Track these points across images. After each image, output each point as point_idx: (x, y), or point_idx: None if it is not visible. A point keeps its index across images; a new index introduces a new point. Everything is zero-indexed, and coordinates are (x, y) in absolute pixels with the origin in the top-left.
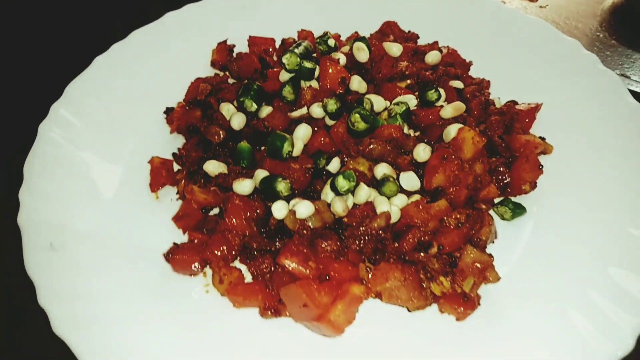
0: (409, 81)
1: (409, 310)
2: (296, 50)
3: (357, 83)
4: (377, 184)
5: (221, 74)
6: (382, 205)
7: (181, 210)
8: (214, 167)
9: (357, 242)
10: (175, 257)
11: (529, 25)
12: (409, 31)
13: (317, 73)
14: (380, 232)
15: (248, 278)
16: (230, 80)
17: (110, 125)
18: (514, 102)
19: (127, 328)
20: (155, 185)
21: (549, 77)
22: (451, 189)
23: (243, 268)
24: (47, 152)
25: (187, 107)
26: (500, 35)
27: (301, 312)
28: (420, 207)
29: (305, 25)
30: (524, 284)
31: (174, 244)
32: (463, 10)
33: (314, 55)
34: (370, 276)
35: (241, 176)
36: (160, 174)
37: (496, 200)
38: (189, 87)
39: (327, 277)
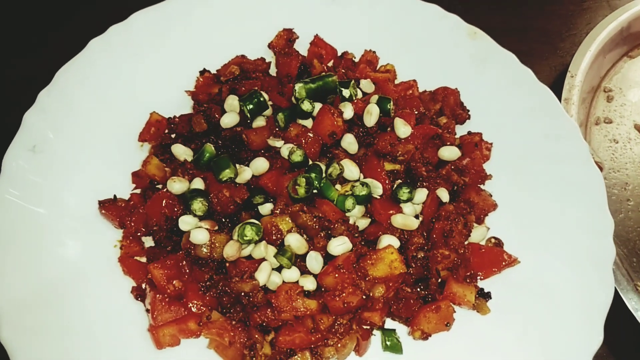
0: (398, 166)
1: None
2: (312, 84)
3: (347, 142)
4: (278, 248)
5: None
6: (263, 271)
7: (140, 171)
8: (180, 151)
9: (218, 289)
10: (106, 206)
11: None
12: (466, 108)
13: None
14: (242, 294)
15: None
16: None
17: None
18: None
19: None
20: (142, 135)
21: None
22: (336, 295)
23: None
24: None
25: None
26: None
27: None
28: (291, 293)
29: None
30: None
31: (114, 196)
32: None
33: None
34: (205, 321)
35: (185, 174)
36: (149, 130)
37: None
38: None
39: (182, 299)
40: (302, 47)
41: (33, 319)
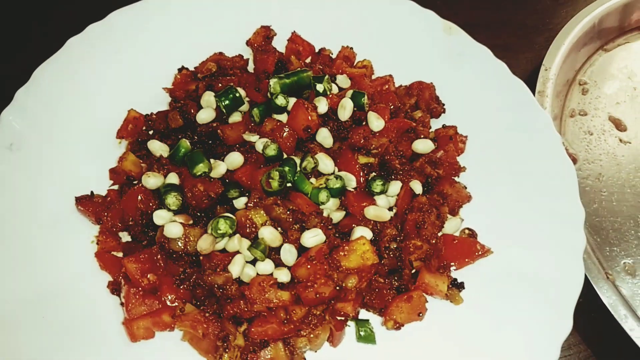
0: (372, 159)
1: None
2: (286, 79)
3: (322, 136)
4: (251, 241)
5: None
6: (237, 263)
7: (117, 167)
8: (156, 147)
9: (192, 282)
10: (82, 202)
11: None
12: (441, 102)
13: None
14: (215, 286)
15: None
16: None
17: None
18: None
19: None
20: (120, 132)
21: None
22: (309, 286)
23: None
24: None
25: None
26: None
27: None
28: (264, 285)
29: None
30: None
31: (91, 192)
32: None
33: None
34: (179, 313)
35: (161, 170)
36: (127, 127)
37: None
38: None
39: (156, 292)
40: (280, 44)
41: (9, 313)
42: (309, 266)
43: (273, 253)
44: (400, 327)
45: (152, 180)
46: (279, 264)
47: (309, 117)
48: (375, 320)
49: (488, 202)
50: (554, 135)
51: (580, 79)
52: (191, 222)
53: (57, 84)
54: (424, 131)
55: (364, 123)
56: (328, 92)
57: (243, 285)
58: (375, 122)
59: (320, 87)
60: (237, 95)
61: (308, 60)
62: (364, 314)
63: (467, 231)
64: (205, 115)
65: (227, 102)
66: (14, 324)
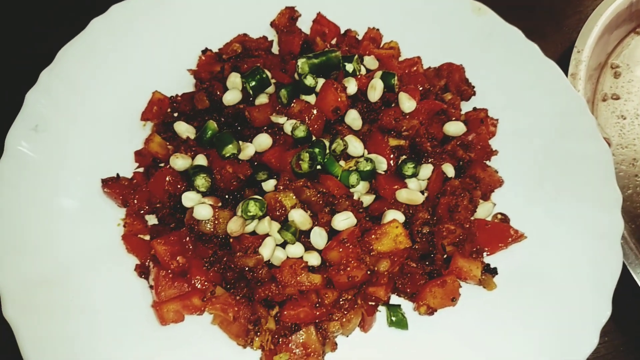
0: (403, 142)
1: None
2: (315, 59)
3: (351, 117)
4: (281, 224)
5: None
6: (267, 246)
7: (143, 149)
8: (182, 129)
9: (222, 265)
10: (109, 184)
11: None
12: (471, 84)
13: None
14: (246, 269)
15: None
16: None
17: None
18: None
19: None
20: (144, 114)
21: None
22: (341, 269)
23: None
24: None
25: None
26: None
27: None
28: (295, 268)
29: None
30: None
31: (117, 174)
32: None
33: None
34: (210, 296)
35: (188, 152)
36: (151, 109)
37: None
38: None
39: (185, 275)
40: (304, 25)
41: (37, 297)
42: (340, 249)
43: (303, 236)
44: (433, 312)
45: (180, 162)
46: (308, 247)
47: (339, 98)
48: (406, 307)
49: (520, 186)
50: (588, 117)
51: (612, 62)
52: (220, 204)
53: (81, 65)
54: (455, 113)
55: (393, 105)
56: (357, 73)
57: (273, 268)
58: (407, 103)
59: (349, 67)
60: (264, 76)
61: (333, 41)
62: (394, 300)
63: (499, 216)
64: (231, 97)
65: (253, 83)
66: (41, 308)
